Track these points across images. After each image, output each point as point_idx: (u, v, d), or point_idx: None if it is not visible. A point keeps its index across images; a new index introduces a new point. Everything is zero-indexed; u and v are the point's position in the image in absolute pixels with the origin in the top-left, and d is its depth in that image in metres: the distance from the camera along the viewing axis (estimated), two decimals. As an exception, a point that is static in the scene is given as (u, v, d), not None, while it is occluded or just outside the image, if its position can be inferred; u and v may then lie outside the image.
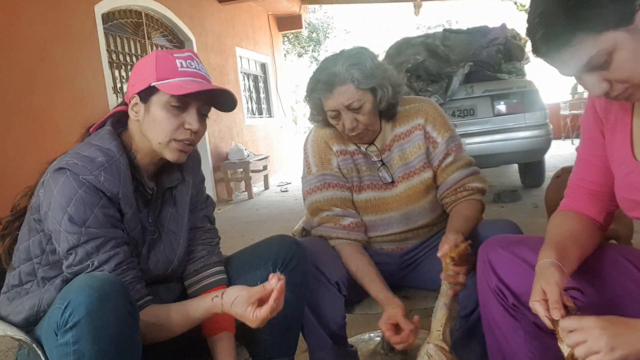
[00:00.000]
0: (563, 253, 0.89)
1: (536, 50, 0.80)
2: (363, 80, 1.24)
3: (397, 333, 1.13)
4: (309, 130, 1.45)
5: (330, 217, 1.33)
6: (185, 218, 1.13)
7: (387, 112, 1.35)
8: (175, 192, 1.12)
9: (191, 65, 1.00)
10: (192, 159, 1.17)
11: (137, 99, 1.01)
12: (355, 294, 1.33)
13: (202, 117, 1.03)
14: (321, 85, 1.27)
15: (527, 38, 0.81)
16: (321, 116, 1.36)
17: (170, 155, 1.02)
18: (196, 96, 0.99)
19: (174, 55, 1.01)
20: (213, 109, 1.07)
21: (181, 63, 1.00)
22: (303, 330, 1.26)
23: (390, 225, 1.36)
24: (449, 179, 1.35)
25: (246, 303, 0.92)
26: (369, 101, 1.27)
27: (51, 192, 0.93)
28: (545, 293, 0.82)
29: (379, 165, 1.37)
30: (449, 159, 1.35)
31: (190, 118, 1.00)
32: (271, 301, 0.91)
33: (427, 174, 1.36)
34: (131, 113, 1.02)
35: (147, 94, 0.99)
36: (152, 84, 0.98)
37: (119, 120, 1.06)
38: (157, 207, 1.09)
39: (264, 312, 0.91)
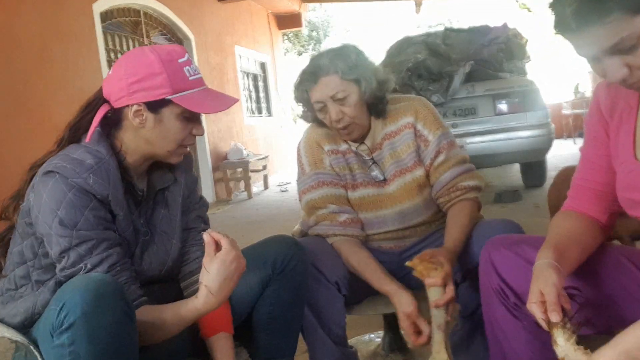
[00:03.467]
0: (561, 253, 0.88)
1: (562, 25, 0.76)
2: (347, 71, 1.26)
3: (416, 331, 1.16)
4: (303, 133, 1.47)
5: (326, 214, 1.33)
6: (178, 219, 1.12)
7: (376, 108, 1.35)
8: (167, 193, 1.11)
9: (195, 71, 1.02)
10: (184, 160, 1.15)
11: (142, 107, 0.98)
12: (355, 295, 1.32)
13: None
14: (307, 77, 1.30)
15: (552, 11, 0.77)
16: (311, 112, 1.37)
17: (175, 159, 1.06)
18: None
19: (179, 61, 0.99)
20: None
21: (188, 71, 1.00)
22: (303, 331, 1.25)
23: (386, 222, 1.36)
24: (441, 179, 1.34)
25: (209, 263, 0.91)
26: (354, 92, 1.28)
27: (41, 195, 0.93)
28: (542, 295, 0.81)
29: (370, 163, 1.37)
30: (441, 158, 1.34)
31: (198, 125, 1.04)
32: (221, 241, 0.92)
33: (419, 172, 1.35)
34: (135, 120, 1.00)
35: (157, 104, 0.98)
36: (168, 98, 0.97)
37: (106, 120, 1.03)
38: (148, 208, 1.08)
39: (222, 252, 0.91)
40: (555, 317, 0.78)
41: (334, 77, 1.27)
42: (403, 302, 1.16)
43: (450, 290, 1.10)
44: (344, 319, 1.28)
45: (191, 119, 1.02)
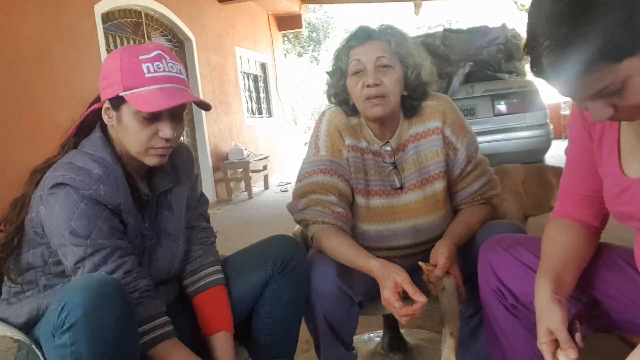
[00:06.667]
0: (559, 280, 0.88)
1: (540, 73, 0.72)
2: (399, 45, 1.21)
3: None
4: (323, 113, 1.34)
5: (321, 200, 1.23)
6: (183, 219, 1.12)
7: (410, 104, 1.27)
8: (170, 195, 1.11)
9: (159, 68, 0.95)
10: (185, 160, 1.16)
11: (108, 104, 0.98)
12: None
13: (178, 118, 1.00)
14: (355, 36, 1.23)
15: (528, 55, 0.73)
16: (341, 82, 1.26)
17: (149, 162, 1.00)
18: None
19: (140, 57, 0.94)
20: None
21: (148, 68, 0.94)
22: (315, 338, 1.23)
23: (397, 236, 1.28)
24: (468, 189, 1.31)
25: None
26: (398, 69, 1.21)
27: (52, 208, 0.92)
28: (552, 333, 0.81)
29: (391, 168, 1.29)
30: (469, 167, 1.30)
31: (164, 127, 0.97)
32: None
33: (440, 185, 1.28)
34: (105, 117, 0.99)
35: (117, 102, 0.96)
36: (120, 94, 0.94)
37: (101, 121, 1.02)
38: (152, 211, 1.08)
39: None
40: (573, 353, 0.78)
41: (385, 44, 1.21)
42: (395, 270, 1.06)
43: (452, 269, 1.12)
44: (355, 328, 1.26)
45: (153, 119, 0.95)
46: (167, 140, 0.97)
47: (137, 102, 0.93)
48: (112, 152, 0.99)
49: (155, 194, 1.08)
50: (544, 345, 0.82)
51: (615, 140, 0.87)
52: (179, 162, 1.14)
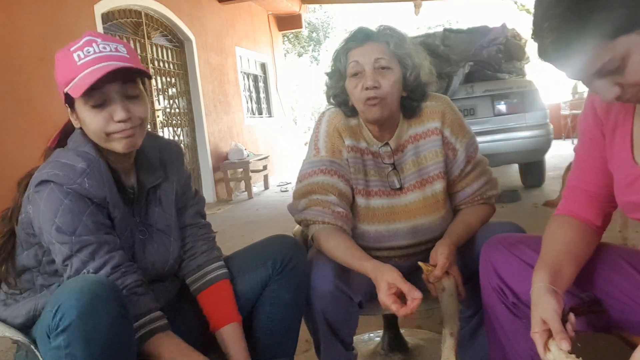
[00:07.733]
0: (557, 272, 0.88)
1: (544, 55, 0.76)
2: (398, 47, 1.21)
3: (402, 302, 1.03)
4: (322, 113, 1.35)
5: (321, 200, 1.23)
6: (173, 217, 1.11)
7: (410, 105, 1.27)
8: (159, 191, 1.10)
9: (89, 52, 0.93)
10: (175, 156, 1.15)
11: (68, 108, 0.99)
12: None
13: (132, 99, 0.96)
14: (353, 37, 1.24)
15: (534, 41, 0.77)
16: (340, 84, 1.27)
17: (118, 147, 0.97)
18: (108, 83, 0.92)
19: (71, 49, 0.94)
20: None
21: (78, 55, 0.93)
22: (315, 340, 1.23)
23: (397, 237, 1.28)
24: (467, 189, 1.31)
25: None
26: (396, 70, 1.21)
27: (38, 206, 0.92)
28: (545, 323, 0.82)
29: (390, 169, 1.30)
30: (469, 168, 1.31)
31: (114, 109, 0.94)
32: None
33: (439, 186, 1.28)
34: (73, 122, 1.00)
35: (69, 101, 0.97)
36: (65, 91, 0.95)
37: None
38: (142, 207, 1.07)
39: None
40: (565, 344, 0.78)
41: (383, 45, 1.21)
42: (386, 271, 1.06)
43: (452, 269, 1.12)
44: (355, 328, 1.26)
45: (102, 104, 0.94)
46: (123, 122, 0.94)
47: (74, 92, 0.92)
48: (93, 146, 0.98)
49: (144, 190, 1.07)
50: (536, 334, 0.82)
51: (629, 132, 0.88)
52: (168, 157, 1.13)
